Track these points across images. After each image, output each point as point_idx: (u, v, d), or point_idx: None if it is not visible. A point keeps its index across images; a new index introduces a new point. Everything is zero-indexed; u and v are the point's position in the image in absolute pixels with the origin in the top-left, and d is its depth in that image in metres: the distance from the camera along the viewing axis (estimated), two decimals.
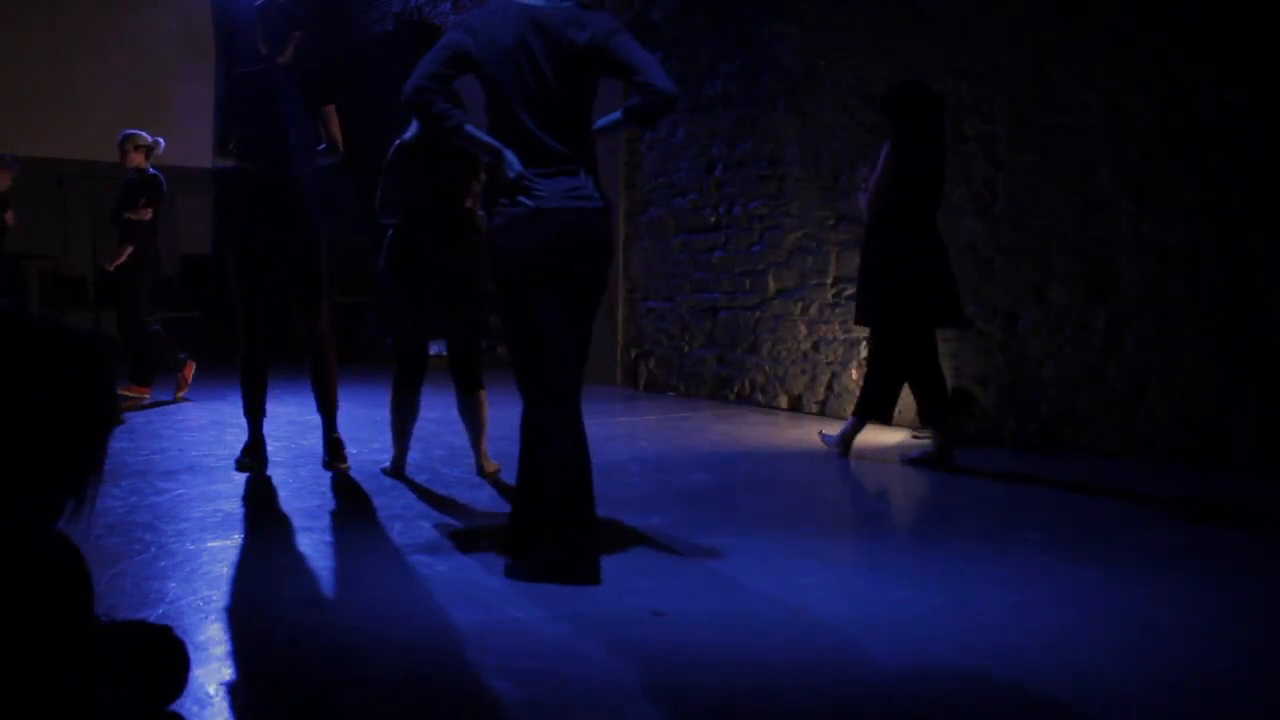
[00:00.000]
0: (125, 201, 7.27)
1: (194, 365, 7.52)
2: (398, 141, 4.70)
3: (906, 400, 6.52)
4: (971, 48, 6.12)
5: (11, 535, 1.45)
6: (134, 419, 6.30)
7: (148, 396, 7.31)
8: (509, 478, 4.77)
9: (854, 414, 5.52)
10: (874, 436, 6.17)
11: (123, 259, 7.26)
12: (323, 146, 4.76)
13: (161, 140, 7.38)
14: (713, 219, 7.72)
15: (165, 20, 11.61)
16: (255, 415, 4.83)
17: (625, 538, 3.78)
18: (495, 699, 2.36)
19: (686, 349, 8.08)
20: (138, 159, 7.29)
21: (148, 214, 7.23)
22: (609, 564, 3.43)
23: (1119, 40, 5.51)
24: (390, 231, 4.69)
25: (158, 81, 11.43)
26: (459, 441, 5.30)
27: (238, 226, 4.72)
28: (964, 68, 6.16)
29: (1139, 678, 2.54)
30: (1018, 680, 2.50)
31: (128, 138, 7.30)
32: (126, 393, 7.27)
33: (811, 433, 6.29)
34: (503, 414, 6.59)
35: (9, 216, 7.68)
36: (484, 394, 4.76)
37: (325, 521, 3.97)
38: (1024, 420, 5.92)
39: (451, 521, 4.00)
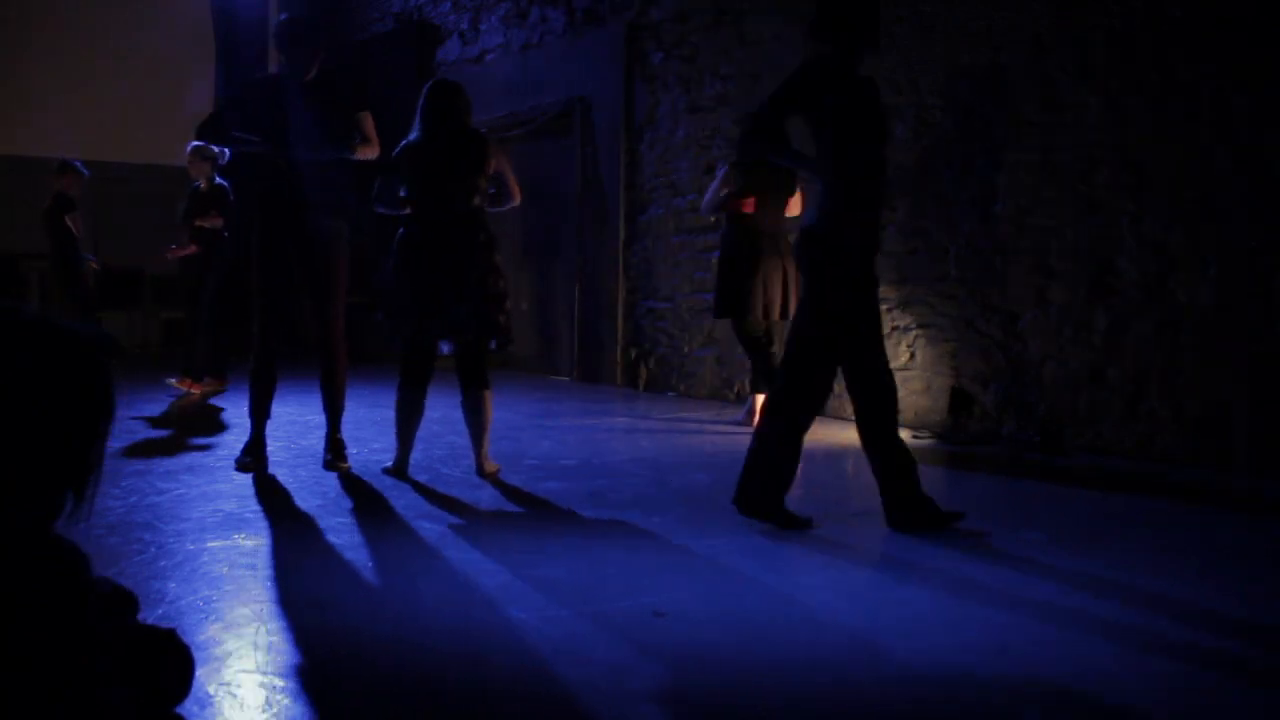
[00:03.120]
0: (196, 209, 7.77)
1: (218, 389, 7.68)
2: (404, 142, 4.70)
3: (907, 400, 6.52)
4: (971, 48, 6.12)
5: (11, 535, 1.45)
6: (133, 419, 6.30)
7: (190, 389, 7.65)
8: (509, 478, 4.77)
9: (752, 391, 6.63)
10: None
11: (184, 252, 7.79)
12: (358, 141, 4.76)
13: (227, 150, 7.56)
14: (713, 219, 7.71)
15: (165, 21, 11.60)
16: (260, 415, 4.84)
17: (626, 538, 3.78)
18: (497, 698, 2.36)
19: (686, 349, 8.08)
20: (205, 169, 7.74)
21: (219, 221, 7.73)
22: (610, 564, 3.44)
23: (1119, 40, 5.51)
24: (400, 231, 4.69)
25: (158, 82, 11.42)
26: (460, 441, 5.29)
27: (256, 232, 4.73)
28: (964, 68, 6.15)
29: (1139, 677, 2.54)
30: (1018, 679, 2.50)
31: (196, 150, 7.68)
32: (195, 388, 7.63)
33: (812, 432, 6.29)
34: (505, 414, 6.60)
35: (73, 221, 7.96)
36: (489, 394, 4.73)
37: (325, 522, 3.97)
38: (1024, 420, 5.92)
39: (452, 521, 4.00)
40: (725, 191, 6.27)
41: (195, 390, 7.64)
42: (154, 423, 6.33)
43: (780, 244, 6.25)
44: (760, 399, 6.38)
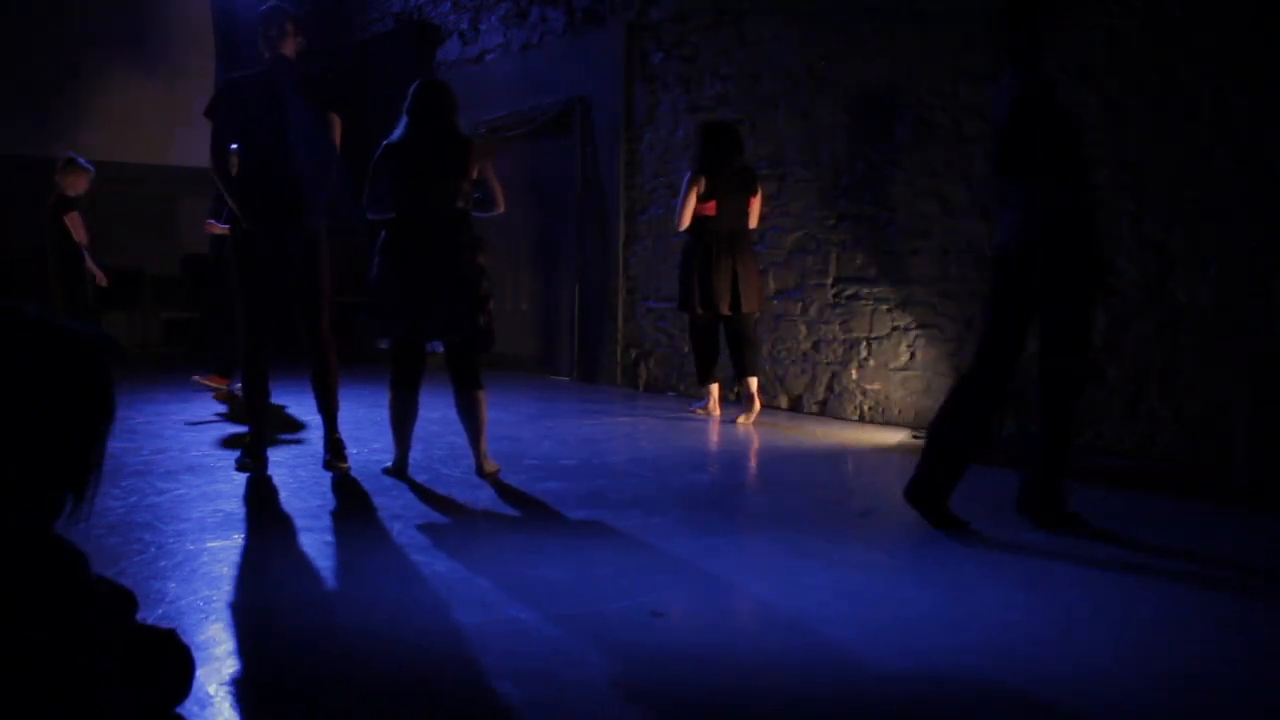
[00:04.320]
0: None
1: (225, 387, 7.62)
2: (385, 142, 4.70)
3: (907, 400, 6.52)
4: (971, 48, 6.12)
5: (11, 535, 1.45)
6: (134, 419, 6.30)
7: (227, 387, 7.46)
8: (508, 478, 4.77)
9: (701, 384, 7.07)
10: (874, 436, 6.17)
11: (223, 229, 7.75)
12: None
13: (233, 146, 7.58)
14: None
15: (165, 20, 11.60)
16: (257, 415, 4.83)
17: (625, 538, 3.78)
18: (495, 699, 2.36)
19: (686, 349, 8.07)
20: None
21: None
22: (609, 564, 3.44)
23: (1119, 40, 5.51)
24: (383, 233, 4.69)
25: (158, 82, 11.42)
26: (459, 441, 5.29)
27: (239, 226, 4.72)
28: (964, 68, 6.15)
29: (1139, 677, 2.55)
30: (1018, 680, 2.50)
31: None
32: (206, 382, 7.48)
33: (812, 432, 6.31)
34: (505, 414, 6.60)
35: (70, 219, 7.79)
36: (483, 394, 4.73)
37: (325, 522, 3.97)
38: (1024, 420, 5.92)
39: (451, 522, 4.00)
40: (694, 197, 6.65)
41: (224, 384, 7.57)
42: (153, 423, 6.32)
43: (737, 242, 6.69)
44: (715, 389, 6.92)
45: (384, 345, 4.81)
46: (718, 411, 6.90)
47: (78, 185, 7.88)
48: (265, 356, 4.77)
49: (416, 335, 4.66)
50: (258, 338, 4.73)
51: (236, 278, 4.71)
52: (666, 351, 8.26)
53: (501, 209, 4.88)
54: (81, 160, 7.95)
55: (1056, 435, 3.98)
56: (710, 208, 6.64)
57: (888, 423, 6.60)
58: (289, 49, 4.74)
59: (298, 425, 6.15)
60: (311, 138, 4.66)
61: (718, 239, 6.64)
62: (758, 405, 6.68)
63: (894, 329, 6.61)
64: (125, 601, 2.19)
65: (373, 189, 4.68)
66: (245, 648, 2.61)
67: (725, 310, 6.65)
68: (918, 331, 6.48)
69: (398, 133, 4.70)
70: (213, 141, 4.68)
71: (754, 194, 6.76)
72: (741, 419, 6.64)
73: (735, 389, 7.27)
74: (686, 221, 6.72)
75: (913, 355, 6.51)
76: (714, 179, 6.63)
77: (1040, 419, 4.03)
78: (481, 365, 4.77)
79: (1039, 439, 4.03)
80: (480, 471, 4.78)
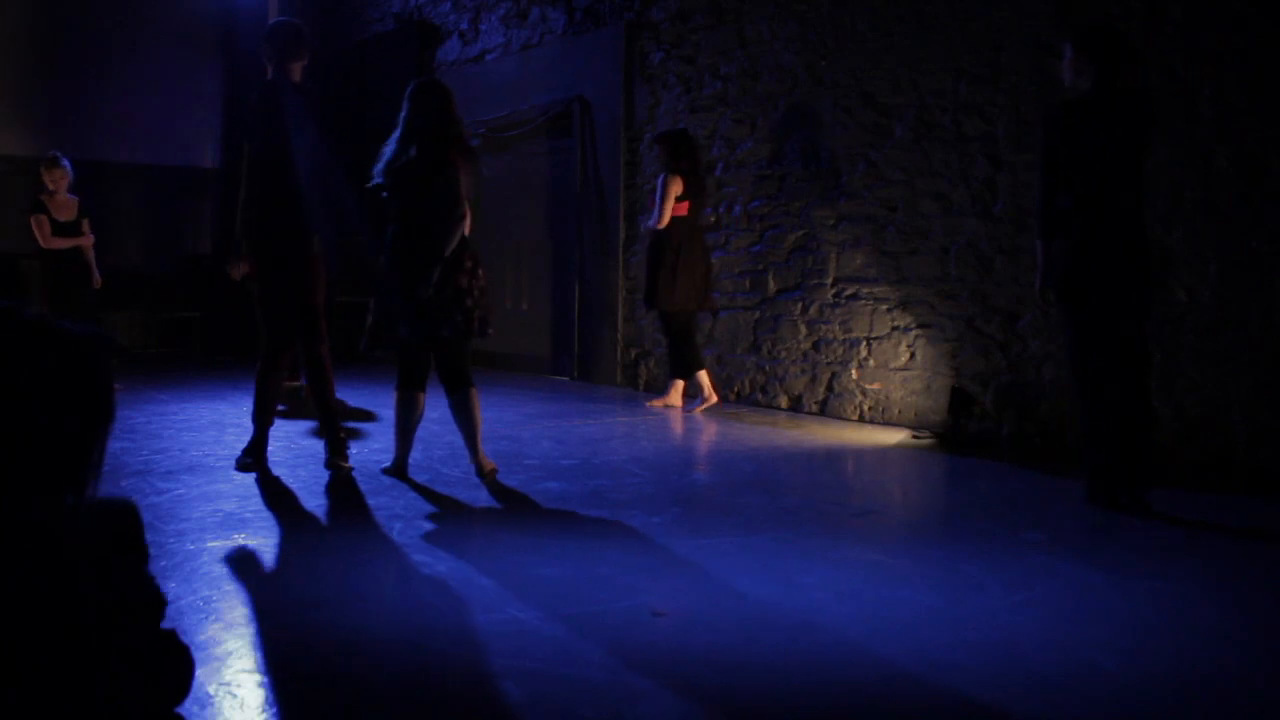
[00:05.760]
0: None
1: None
2: (385, 153, 4.68)
3: (907, 400, 6.52)
4: (971, 48, 6.12)
5: (11, 536, 1.45)
6: (134, 419, 6.30)
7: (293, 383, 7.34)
8: (509, 479, 4.77)
9: (671, 376, 7.32)
10: (875, 436, 6.17)
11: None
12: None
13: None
14: (713, 219, 7.72)
15: (166, 20, 11.59)
16: (265, 420, 4.86)
17: (626, 538, 3.79)
18: (495, 699, 2.36)
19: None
20: None
21: None
22: (609, 564, 3.44)
23: None
24: (387, 238, 4.67)
25: (158, 82, 11.42)
26: (459, 441, 5.29)
27: (262, 243, 4.75)
28: (964, 68, 6.15)
29: (1139, 678, 2.55)
30: (1018, 680, 2.50)
31: None
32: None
33: (812, 432, 6.31)
34: (505, 414, 6.60)
35: (35, 221, 7.68)
36: (475, 391, 4.69)
37: (325, 522, 3.97)
38: (1024, 420, 5.92)
39: (452, 522, 4.01)
40: (673, 197, 6.98)
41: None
42: (153, 423, 6.31)
43: (702, 240, 7.21)
44: (680, 384, 7.21)
45: (386, 349, 4.81)
46: (714, 397, 7.14)
47: (56, 183, 7.80)
48: (283, 368, 4.85)
49: (417, 335, 4.65)
50: (281, 338, 4.77)
51: (261, 290, 4.77)
52: (666, 351, 8.26)
53: (457, 215, 4.50)
54: (65, 161, 7.88)
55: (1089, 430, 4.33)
56: (684, 207, 7.02)
57: (888, 423, 6.60)
58: (295, 76, 4.83)
59: (299, 425, 6.15)
60: (310, 150, 4.69)
61: (694, 236, 7.07)
62: (712, 397, 7.14)
63: (894, 329, 6.61)
64: (154, 605, 2.18)
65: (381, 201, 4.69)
66: (245, 648, 2.61)
67: (703, 303, 7.12)
68: (918, 331, 6.48)
69: (413, 149, 4.58)
70: (245, 163, 4.79)
71: (707, 197, 7.35)
72: (679, 408, 7.18)
73: (735, 389, 7.28)
74: (666, 220, 7.00)
75: (913, 355, 6.51)
76: (688, 180, 7.03)
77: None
78: (471, 364, 4.74)
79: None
80: (480, 472, 4.77)
